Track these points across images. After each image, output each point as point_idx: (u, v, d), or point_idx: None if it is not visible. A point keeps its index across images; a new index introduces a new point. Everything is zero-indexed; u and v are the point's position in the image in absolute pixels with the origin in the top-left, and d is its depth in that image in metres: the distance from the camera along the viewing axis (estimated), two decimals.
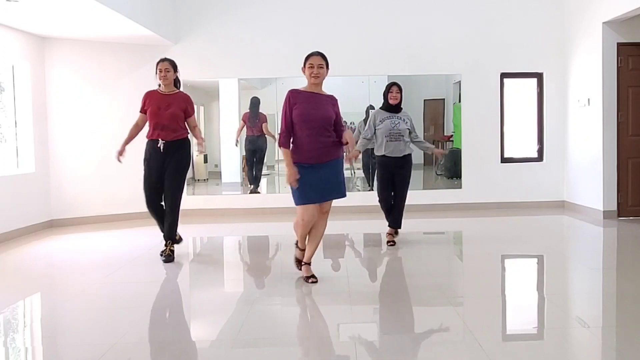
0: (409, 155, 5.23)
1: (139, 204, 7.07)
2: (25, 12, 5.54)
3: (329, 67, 3.99)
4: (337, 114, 4.04)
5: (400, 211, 5.30)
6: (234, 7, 7.56)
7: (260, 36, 7.54)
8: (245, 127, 8.17)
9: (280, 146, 3.95)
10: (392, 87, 5.15)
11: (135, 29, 6.36)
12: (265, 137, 8.19)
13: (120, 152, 4.84)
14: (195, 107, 5.05)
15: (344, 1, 7.57)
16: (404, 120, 5.16)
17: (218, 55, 7.55)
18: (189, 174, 5.20)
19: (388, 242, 5.35)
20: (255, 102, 8.16)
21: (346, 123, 8.16)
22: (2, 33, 6.05)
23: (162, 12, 7.03)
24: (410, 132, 5.19)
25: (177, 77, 4.96)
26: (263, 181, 9.08)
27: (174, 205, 4.89)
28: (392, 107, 5.15)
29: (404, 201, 5.30)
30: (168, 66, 4.83)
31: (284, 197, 7.86)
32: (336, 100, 4.09)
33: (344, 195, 4.00)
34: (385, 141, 5.12)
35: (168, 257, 4.84)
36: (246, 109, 8.22)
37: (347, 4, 7.56)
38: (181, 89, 5.07)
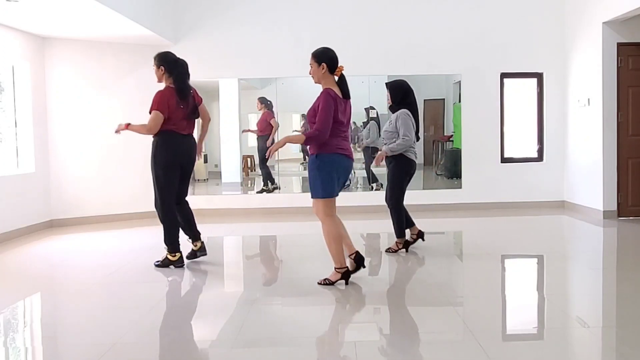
0: (391, 157, 4.81)
1: (139, 204, 7.15)
2: (25, 12, 5.54)
3: (323, 60, 3.84)
4: (316, 107, 3.77)
5: (391, 217, 4.96)
6: (233, 7, 7.56)
7: (260, 36, 7.54)
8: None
9: None
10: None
11: (135, 29, 6.36)
12: (262, 135, 8.11)
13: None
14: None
15: (344, 1, 7.57)
16: (390, 121, 4.84)
17: (218, 55, 7.55)
18: None
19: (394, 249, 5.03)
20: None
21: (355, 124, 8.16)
22: (2, 33, 6.05)
23: (162, 12, 7.03)
24: (392, 134, 4.77)
25: (163, 70, 4.42)
26: (258, 180, 9.07)
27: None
28: (391, 109, 4.90)
29: (389, 205, 4.91)
30: (153, 64, 4.47)
31: (284, 197, 7.88)
32: (322, 92, 3.78)
33: (312, 196, 3.88)
34: None
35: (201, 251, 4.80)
36: (246, 108, 8.23)
37: (348, 4, 7.55)
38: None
